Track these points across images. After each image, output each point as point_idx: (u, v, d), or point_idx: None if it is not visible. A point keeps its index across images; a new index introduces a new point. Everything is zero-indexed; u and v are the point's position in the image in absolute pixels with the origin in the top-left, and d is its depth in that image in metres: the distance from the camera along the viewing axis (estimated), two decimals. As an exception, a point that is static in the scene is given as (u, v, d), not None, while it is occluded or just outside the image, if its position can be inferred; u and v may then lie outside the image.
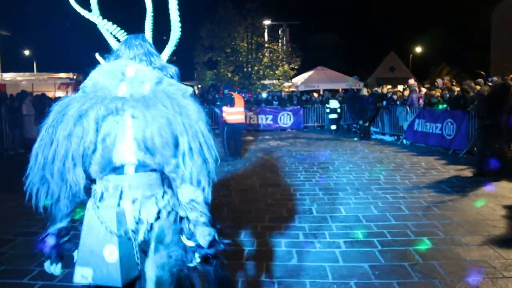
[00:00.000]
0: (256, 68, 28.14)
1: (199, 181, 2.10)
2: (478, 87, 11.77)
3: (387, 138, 15.74)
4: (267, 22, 30.51)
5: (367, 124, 15.69)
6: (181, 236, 2.17)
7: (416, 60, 48.60)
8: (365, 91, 17.22)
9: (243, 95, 23.08)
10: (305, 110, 20.14)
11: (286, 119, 19.77)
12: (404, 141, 14.40)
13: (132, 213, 2.11)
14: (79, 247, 2.11)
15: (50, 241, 2.13)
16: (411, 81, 16.69)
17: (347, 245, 5.09)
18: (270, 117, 19.78)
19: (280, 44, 31.51)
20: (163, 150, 2.05)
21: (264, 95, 24.93)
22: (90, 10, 2.51)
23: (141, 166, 2.11)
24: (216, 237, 2.13)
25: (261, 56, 28.55)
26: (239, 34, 28.62)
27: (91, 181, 2.17)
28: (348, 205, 6.77)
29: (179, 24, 2.50)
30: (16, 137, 14.19)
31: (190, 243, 2.13)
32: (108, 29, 2.49)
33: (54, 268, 2.17)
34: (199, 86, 30.36)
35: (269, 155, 12.14)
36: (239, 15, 28.17)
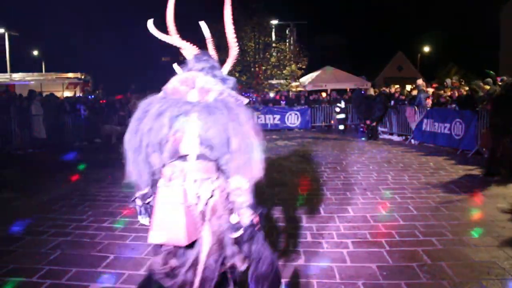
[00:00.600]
0: (263, 67, 28.11)
1: (244, 173, 2.65)
2: (487, 87, 11.69)
3: (395, 138, 15.68)
4: (274, 22, 30.48)
5: (374, 124, 15.65)
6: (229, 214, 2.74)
7: (424, 59, 48.39)
8: (371, 91, 17.16)
9: (249, 95, 23.12)
10: (313, 110, 20.11)
11: (293, 119, 19.75)
12: (412, 141, 14.34)
13: (194, 191, 2.67)
14: (154, 215, 2.66)
15: (138, 202, 2.86)
16: (419, 81, 16.62)
17: (354, 245, 5.07)
18: (278, 116, 19.76)
19: (287, 44, 31.46)
20: (220, 147, 2.64)
21: (272, 94, 24.89)
22: (167, 33, 3.04)
23: (201, 156, 2.68)
24: (256, 218, 2.74)
25: (268, 56, 28.52)
26: (247, 34, 28.60)
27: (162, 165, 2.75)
28: (355, 205, 6.76)
29: (236, 44, 3.13)
30: (25, 137, 14.29)
31: (235, 220, 2.72)
32: (185, 47, 3.04)
33: (143, 220, 2.90)
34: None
35: (276, 155, 12.13)
36: (244, 15, 28.12)
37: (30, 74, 27.65)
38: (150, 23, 3.06)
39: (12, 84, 24.77)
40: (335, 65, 30.56)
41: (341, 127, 18.31)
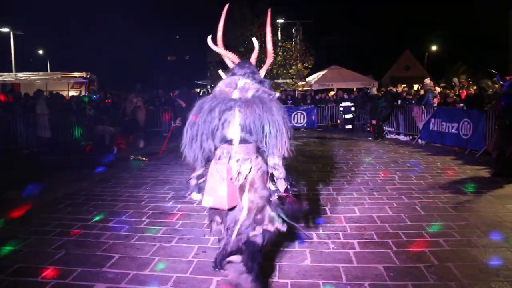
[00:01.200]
0: (269, 67, 28.06)
1: (276, 152, 3.46)
2: (496, 86, 11.60)
3: (402, 137, 15.59)
4: (280, 21, 30.41)
5: (380, 123, 15.60)
6: (269, 184, 3.58)
7: (431, 58, 48.15)
8: (375, 90, 17.11)
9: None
10: (319, 109, 20.03)
11: (299, 119, 19.68)
12: (420, 140, 14.25)
13: (236, 168, 3.45)
14: (206, 185, 3.49)
15: (193, 182, 3.70)
16: (427, 81, 16.55)
17: (361, 246, 5.03)
18: (284, 116, 19.65)
19: (293, 43, 31.36)
20: (257, 131, 3.44)
21: (278, 94, 24.83)
22: (216, 43, 3.89)
23: (242, 140, 3.49)
24: (288, 186, 3.59)
25: (274, 55, 28.42)
26: (252, 33, 28.56)
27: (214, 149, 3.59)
28: (362, 206, 6.71)
29: (273, 53, 4.05)
30: (30, 136, 14.30)
31: (273, 188, 3.59)
32: (229, 56, 3.89)
33: (196, 196, 3.72)
34: (212, 85, 30.37)
35: (282, 154, 12.05)
36: (252, 14, 28.13)
37: (36, 73, 27.70)
38: (209, 39, 3.92)
39: (17, 83, 24.84)
40: (341, 64, 30.47)
41: (349, 126, 18.23)
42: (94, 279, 4.23)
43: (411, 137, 15.07)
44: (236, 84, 3.64)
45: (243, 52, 28.60)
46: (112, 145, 13.32)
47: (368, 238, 5.28)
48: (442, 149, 12.70)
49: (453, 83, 16.15)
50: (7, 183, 8.51)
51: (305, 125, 19.65)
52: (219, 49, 3.90)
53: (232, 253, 3.56)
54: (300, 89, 28.44)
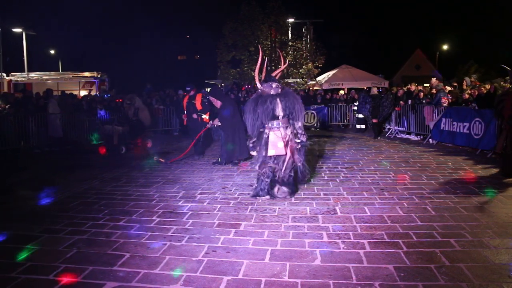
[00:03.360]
0: (279, 66, 28.03)
1: (300, 120, 6.97)
2: (508, 85, 11.48)
3: (412, 137, 15.50)
4: (290, 20, 30.37)
5: (380, 121, 15.68)
6: (296, 139, 6.98)
7: (443, 57, 47.78)
8: (375, 90, 17.08)
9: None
10: (329, 108, 19.98)
11: (310, 118, 19.64)
12: (430, 140, 14.16)
13: (283, 132, 6.84)
14: (269, 144, 6.80)
15: (250, 145, 7.23)
16: (434, 80, 16.43)
17: (371, 246, 5.00)
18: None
19: (304, 42, 31.31)
20: (293, 110, 6.86)
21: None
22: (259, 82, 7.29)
23: (283, 116, 6.85)
24: (306, 138, 7.14)
25: (284, 55, 28.41)
26: (263, 33, 28.56)
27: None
28: (372, 205, 6.68)
29: (286, 61, 6.58)
30: (42, 135, 14.39)
31: (298, 140, 6.95)
32: (258, 81, 7.30)
33: (253, 152, 7.44)
34: (222, 84, 30.42)
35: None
36: (263, 13, 28.13)
37: (47, 73, 27.94)
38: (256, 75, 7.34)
39: (29, 83, 25.08)
40: (352, 63, 30.34)
41: (362, 126, 18.17)
42: (105, 278, 4.25)
43: (422, 137, 14.99)
44: (272, 86, 6.90)
45: (254, 52, 28.67)
46: (120, 145, 13.34)
47: (379, 238, 5.25)
48: (453, 149, 12.62)
49: (464, 81, 15.98)
50: (19, 182, 8.58)
51: (315, 125, 19.61)
52: (257, 83, 7.23)
53: (283, 182, 6.98)
54: (310, 88, 28.41)
